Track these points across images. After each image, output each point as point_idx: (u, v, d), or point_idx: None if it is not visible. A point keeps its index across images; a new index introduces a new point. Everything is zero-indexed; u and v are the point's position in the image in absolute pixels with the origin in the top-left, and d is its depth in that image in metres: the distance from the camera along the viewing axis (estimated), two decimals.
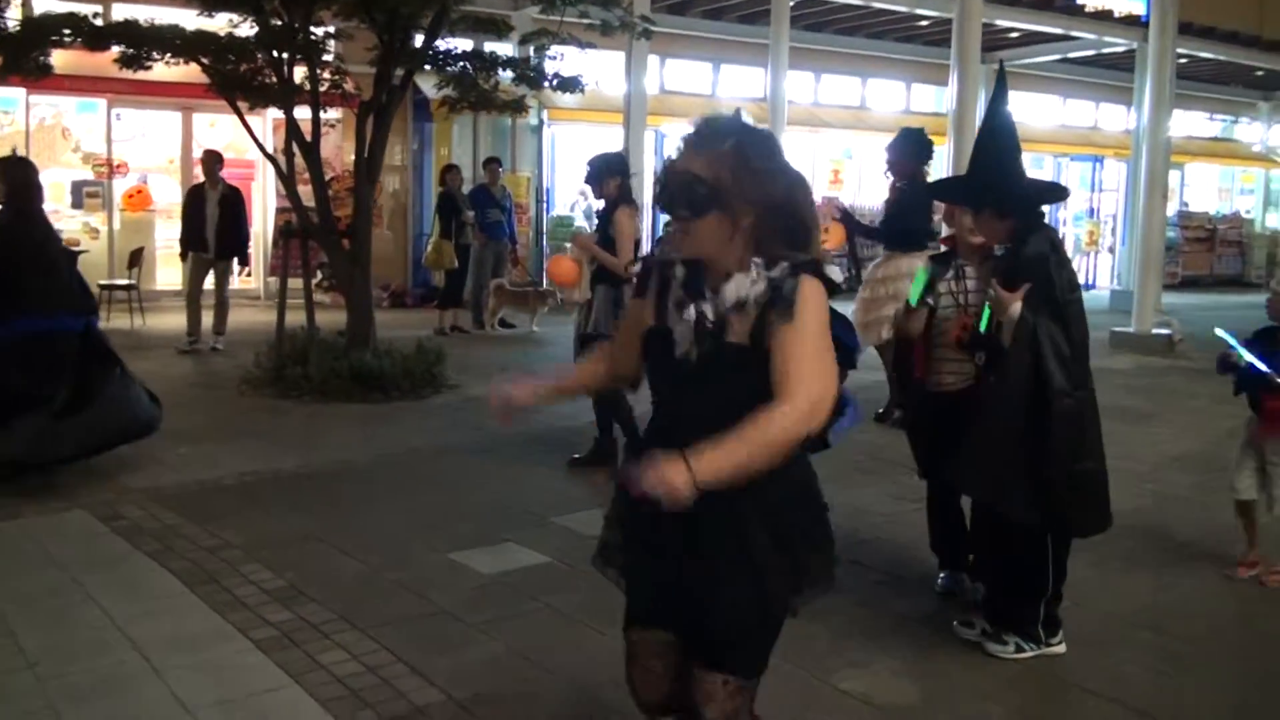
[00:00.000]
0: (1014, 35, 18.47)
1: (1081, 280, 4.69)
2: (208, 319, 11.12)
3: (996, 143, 4.18)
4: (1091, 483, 4.02)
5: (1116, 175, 22.32)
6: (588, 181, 7.14)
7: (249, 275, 16.03)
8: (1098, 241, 21.82)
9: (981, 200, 4.14)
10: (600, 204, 7.04)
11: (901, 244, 7.87)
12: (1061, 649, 4.11)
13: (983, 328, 4.05)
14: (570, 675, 3.87)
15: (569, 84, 9.48)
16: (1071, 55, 19.92)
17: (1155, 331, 12.88)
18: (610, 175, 6.79)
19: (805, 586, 2.51)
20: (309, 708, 3.59)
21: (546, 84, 9.67)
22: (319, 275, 12.81)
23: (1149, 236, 13.34)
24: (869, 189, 19.88)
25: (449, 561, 5.03)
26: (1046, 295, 3.88)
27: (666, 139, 18.32)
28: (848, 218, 8.32)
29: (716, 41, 18.42)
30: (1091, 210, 22.35)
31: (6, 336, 5.85)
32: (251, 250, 15.99)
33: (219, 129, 15.54)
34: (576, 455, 6.93)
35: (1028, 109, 21.77)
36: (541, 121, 16.70)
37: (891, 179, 8.03)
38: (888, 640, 4.23)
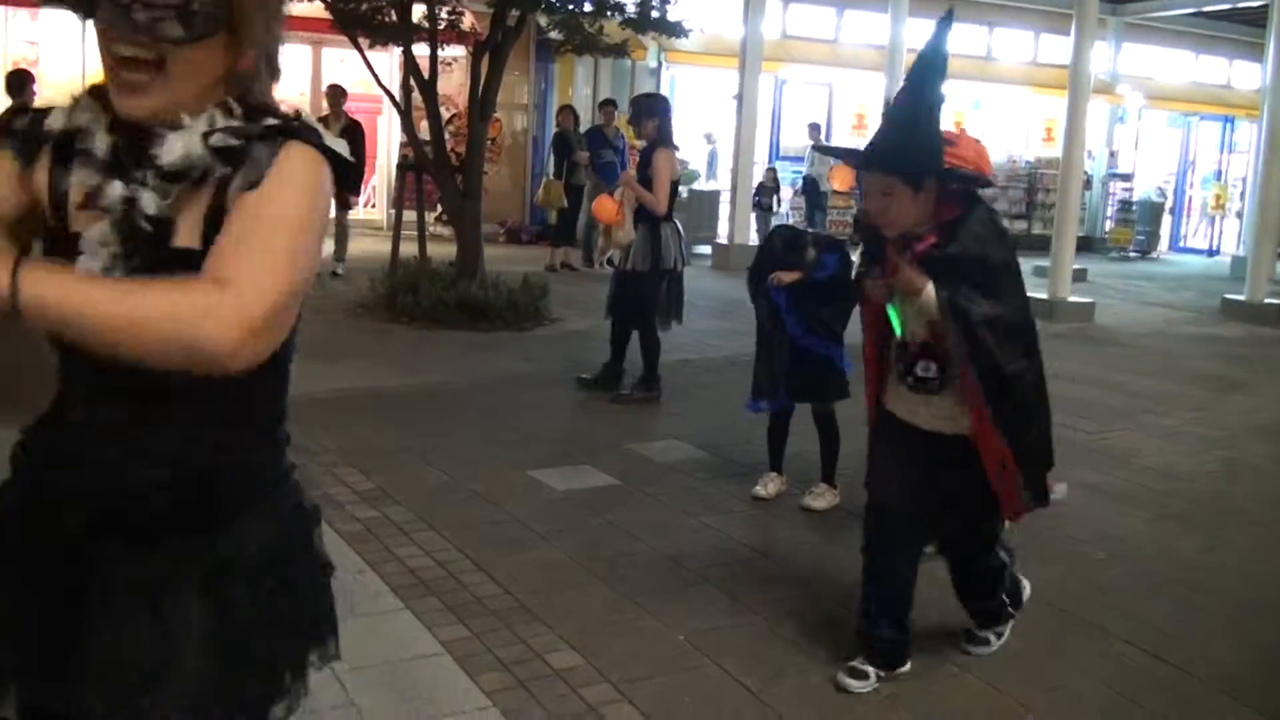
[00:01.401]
0: None
1: (1205, 246, 4.62)
2: (329, 245, 11.68)
3: (921, 96, 3.25)
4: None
5: (1248, 136, 21.56)
6: (630, 122, 7.39)
7: (373, 206, 16.66)
8: (1224, 205, 21.16)
9: (893, 165, 3.29)
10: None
11: None
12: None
13: (897, 331, 3.43)
14: (618, 581, 4.20)
15: (673, 29, 9.66)
16: (1205, 9, 19.24)
17: (1268, 301, 12.58)
18: (650, 117, 7.01)
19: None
20: (381, 590, 3.99)
21: (652, 29, 9.85)
22: (436, 209, 13.29)
23: (1266, 202, 12.96)
24: (993, 142, 19.64)
25: (527, 478, 5.40)
26: (978, 267, 3.28)
27: (785, 85, 18.36)
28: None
29: None
30: (1219, 172, 21.68)
31: None
32: (376, 183, 16.65)
33: (348, 64, 16.09)
34: (585, 375, 7.27)
35: (1157, 64, 21.14)
36: (660, 64, 16.86)
37: None
38: None
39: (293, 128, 1.52)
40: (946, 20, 3.24)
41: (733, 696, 3.38)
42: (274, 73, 1.60)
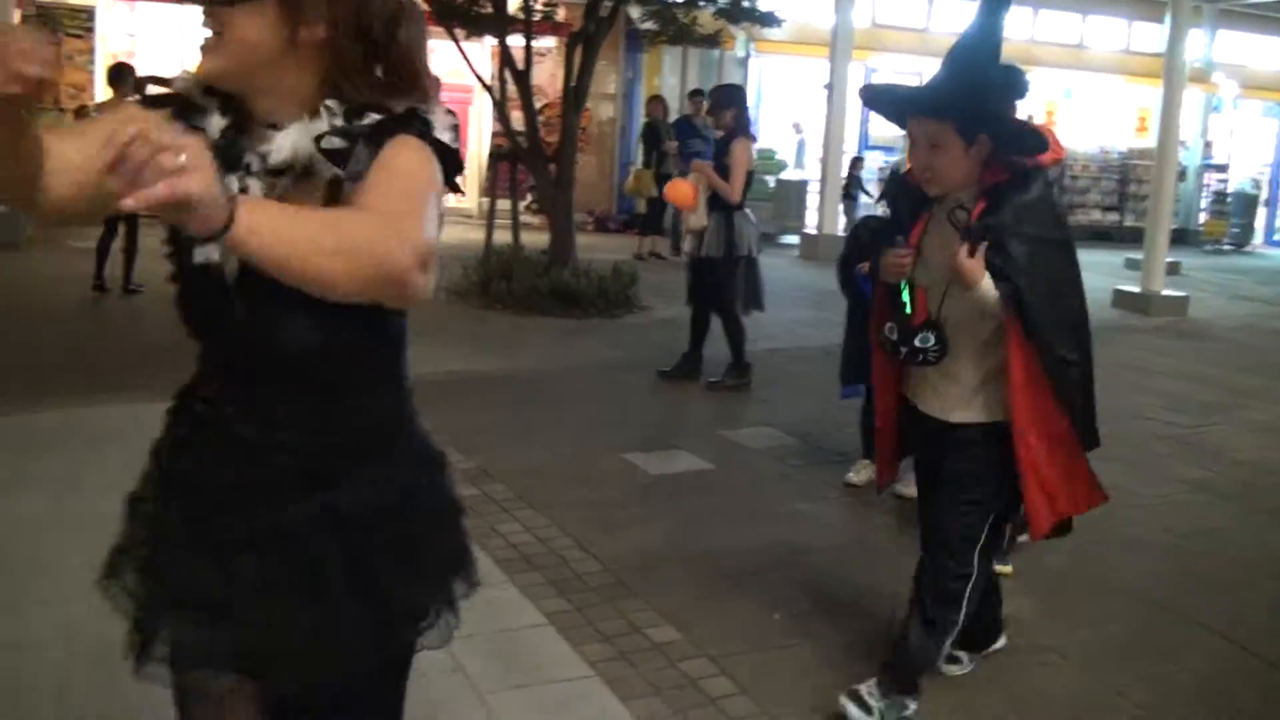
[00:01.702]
0: None
1: None
2: None
3: (988, 34, 3.05)
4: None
5: None
6: (709, 112, 7.48)
7: (463, 194, 16.91)
8: None
9: (946, 109, 2.99)
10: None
11: None
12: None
13: (906, 310, 3.08)
14: (713, 561, 4.30)
15: (766, 19, 9.71)
16: None
17: None
18: (728, 106, 7.09)
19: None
20: (484, 564, 4.12)
21: (745, 19, 9.91)
22: (527, 198, 13.48)
23: None
24: (1085, 132, 19.34)
25: (621, 460, 5.52)
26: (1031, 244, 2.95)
27: (875, 74, 18.24)
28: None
29: None
30: None
31: None
32: (466, 171, 16.89)
33: (439, 55, 16.35)
34: (664, 369, 7.33)
35: (1253, 51, 20.60)
36: (749, 53, 16.87)
37: None
38: None
39: (396, 122, 1.57)
40: None
41: (828, 675, 3.47)
42: (398, 71, 1.66)
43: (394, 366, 1.80)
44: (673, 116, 14.05)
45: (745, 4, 9.96)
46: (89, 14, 14.31)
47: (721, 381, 7.12)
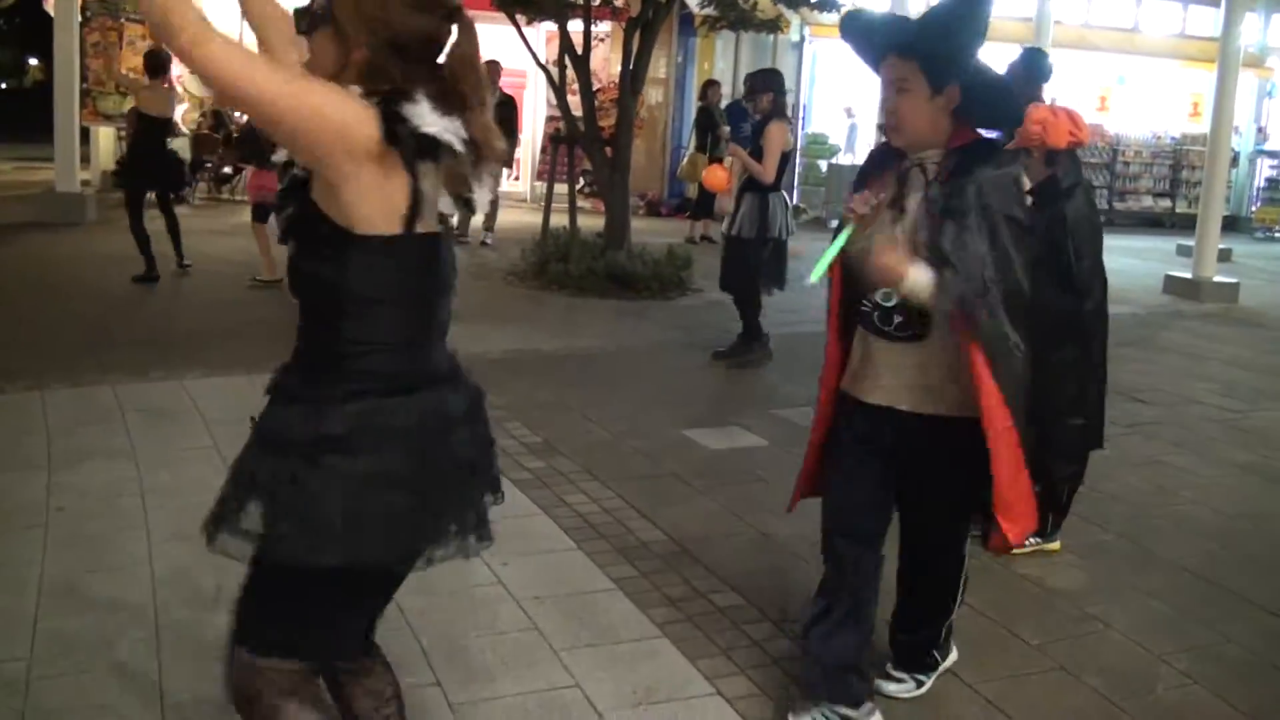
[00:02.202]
0: None
1: None
2: (478, 216, 12.13)
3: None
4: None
5: None
6: (746, 98, 7.65)
7: (516, 179, 17.13)
8: None
9: (911, 45, 2.79)
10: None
11: None
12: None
13: (814, 277, 2.79)
14: (768, 529, 4.47)
15: (824, 4, 9.80)
16: None
17: None
18: (765, 90, 7.29)
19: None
20: (554, 532, 4.34)
21: (804, 5, 10.01)
22: (582, 181, 13.66)
23: None
24: (1138, 117, 19.21)
25: (681, 436, 5.69)
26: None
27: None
28: None
29: None
30: None
31: None
32: (520, 155, 17.10)
33: (490, 39, 16.51)
34: (719, 350, 7.46)
35: None
36: (803, 38, 16.92)
37: None
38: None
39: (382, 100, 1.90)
40: None
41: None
42: (410, 65, 1.95)
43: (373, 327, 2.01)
44: (724, 101, 14.15)
45: None
46: None
47: (729, 354, 7.28)
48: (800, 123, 17.25)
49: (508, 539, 4.20)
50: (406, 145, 1.88)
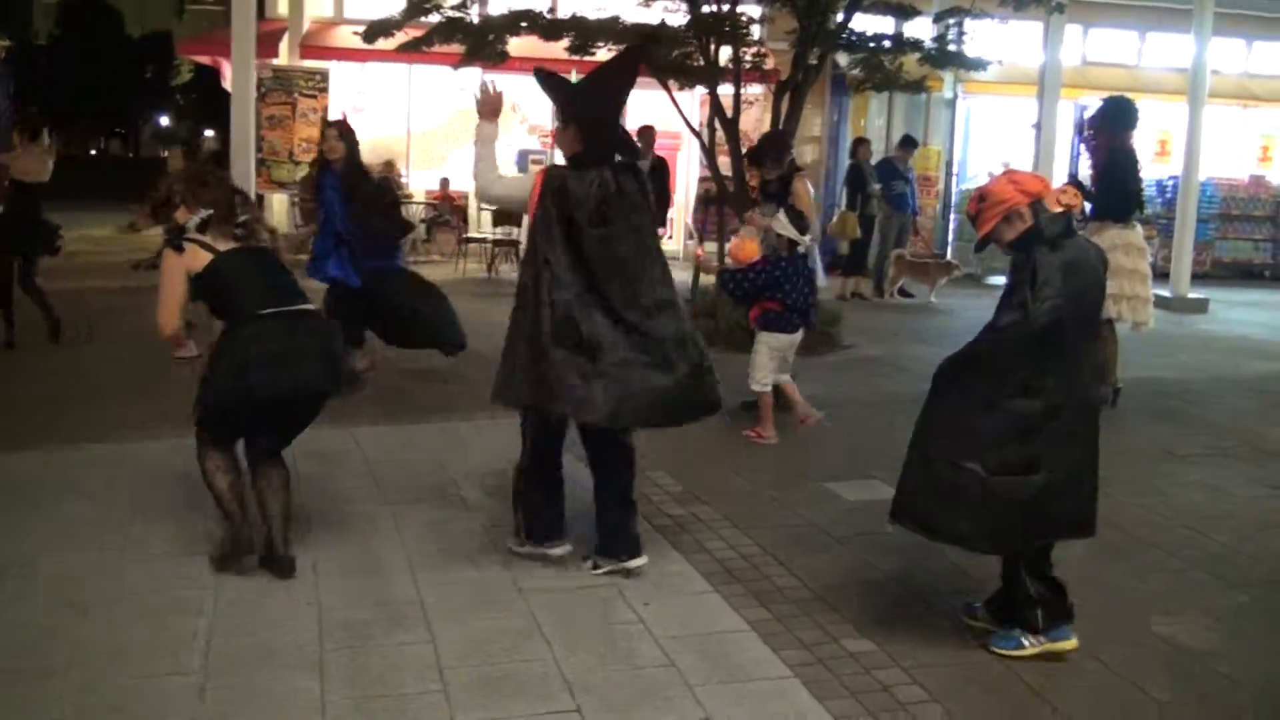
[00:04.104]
0: None
1: None
2: None
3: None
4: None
5: None
6: (753, 160, 7.93)
7: (670, 237, 17.47)
8: None
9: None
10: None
11: (1115, 213, 7.69)
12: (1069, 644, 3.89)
13: None
14: (908, 580, 4.54)
15: (974, 64, 9.85)
16: None
17: None
18: (781, 153, 7.48)
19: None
20: (692, 576, 4.50)
21: (951, 65, 10.08)
22: (730, 239, 13.87)
23: None
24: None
25: (822, 489, 5.79)
26: None
27: (1085, 111, 17.93)
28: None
29: (1140, 9, 17.68)
30: None
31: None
32: (674, 215, 17.47)
33: (644, 103, 16.99)
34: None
35: None
36: (955, 95, 16.89)
37: (1091, 148, 7.94)
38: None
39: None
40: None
41: (1020, 689, 3.67)
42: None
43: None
44: (876, 158, 14.23)
45: (952, 49, 10.11)
46: (323, 75, 15.56)
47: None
48: (955, 178, 17.16)
49: (650, 581, 4.40)
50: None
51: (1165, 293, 14.18)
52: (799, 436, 6.78)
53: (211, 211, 4.31)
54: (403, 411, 7.06)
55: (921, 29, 10.82)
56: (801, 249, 6.67)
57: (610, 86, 4.57)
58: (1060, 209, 3.78)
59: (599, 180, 4.29)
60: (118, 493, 5.29)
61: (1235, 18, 16.63)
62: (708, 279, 10.87)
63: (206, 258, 4.26)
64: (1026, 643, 3.87)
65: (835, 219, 14.06)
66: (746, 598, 4.32)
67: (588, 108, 4.46)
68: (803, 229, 6.66)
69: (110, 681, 3.51)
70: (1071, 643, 3.88)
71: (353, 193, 7.12)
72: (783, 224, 6.61)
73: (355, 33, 11.55)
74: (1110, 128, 7.64)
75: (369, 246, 7.25)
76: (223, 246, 4.31)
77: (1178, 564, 4.85)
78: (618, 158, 4.45)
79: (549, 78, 4.48)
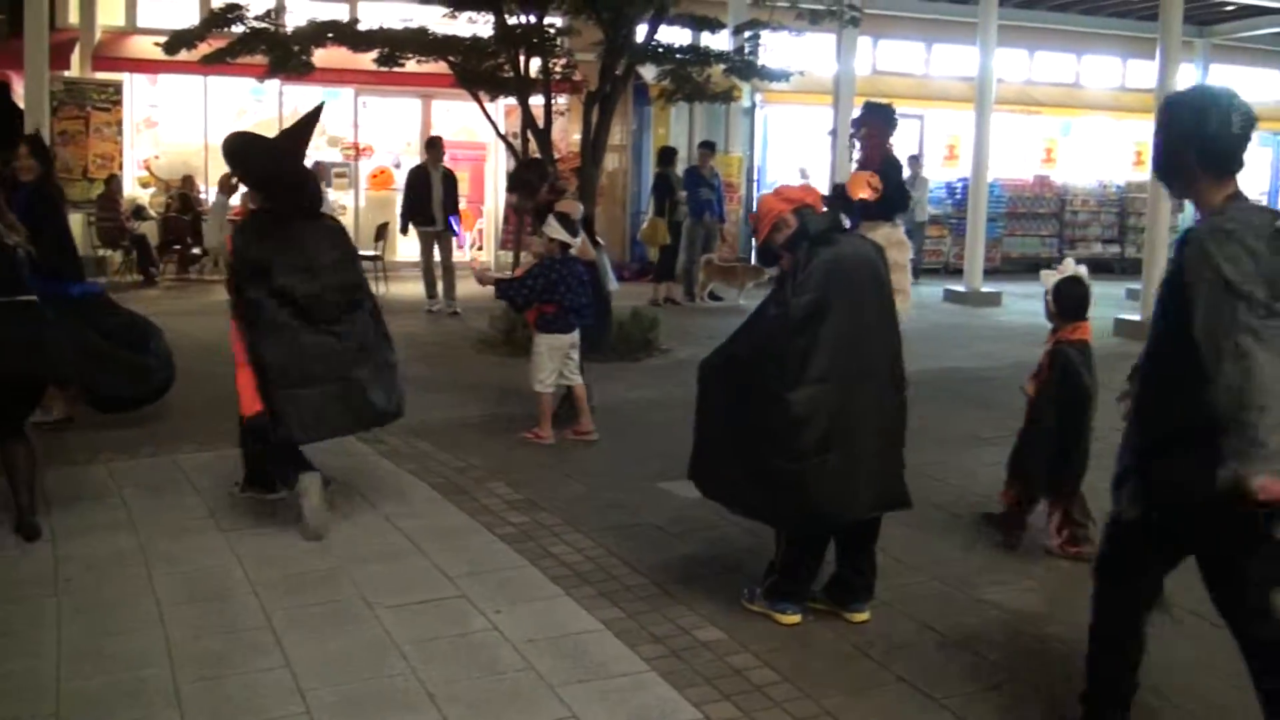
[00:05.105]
0: (1230, 8, 18.15)
1: None
2: (440, 286, 12.46)
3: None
4: None
5: None
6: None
7: (480, 249, 17.44)
8: None
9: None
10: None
11: (881, 214, 7.82)
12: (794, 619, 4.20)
13: None
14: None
15: (777, 75, 10.20)
16: None
17: None
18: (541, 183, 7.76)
19: None
20: (541, 581, 4.56)
21: (755, 76, 10.42)
22: None
23: None
24: (1085, 169, 19.81)
25: (656, 489, 5.92)
26: None
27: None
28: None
29: (928, 21, 18.70)
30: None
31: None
32: (484, 226, 17.44)
33: (452, 114, 16.94)
34: None
35: (1247, 83, 21.07)
36: (754, 104, 17.40)
37: (858, 153, 8.02)
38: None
39: None
40: None
41: (864, 662, 3.86)
42: None
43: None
44: (680, 168, 14.54)
45: (753, 60, 10.45)
46: (117, 88, 14.92)
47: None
48: (755, 184, 17.68)
49: (499, 589, 4.43)
50: None
51: (961, 288, 15.04)
52: (569, 441, 6.92)
53: None
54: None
55: (722, 41, 11.15)
56: (573, 250, 6.86)
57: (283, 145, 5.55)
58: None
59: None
60: None
61: (1017, 30, 17.77)
62: None
63: None
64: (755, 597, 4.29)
65: (645, 226, 14.33)
66: (597, 598, 4.40)
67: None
68: (573, 232, 6.86)
69: None
70: (791, 617, 4.19)
71: (41, 225, 5.86)
72: (554, 228, 6.77)
73: (156, 43, 11.10)
74: (877, 132, 7.89)
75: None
76: None
77: (997, 536, 5.17)
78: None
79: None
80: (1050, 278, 5.05)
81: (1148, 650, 3.20)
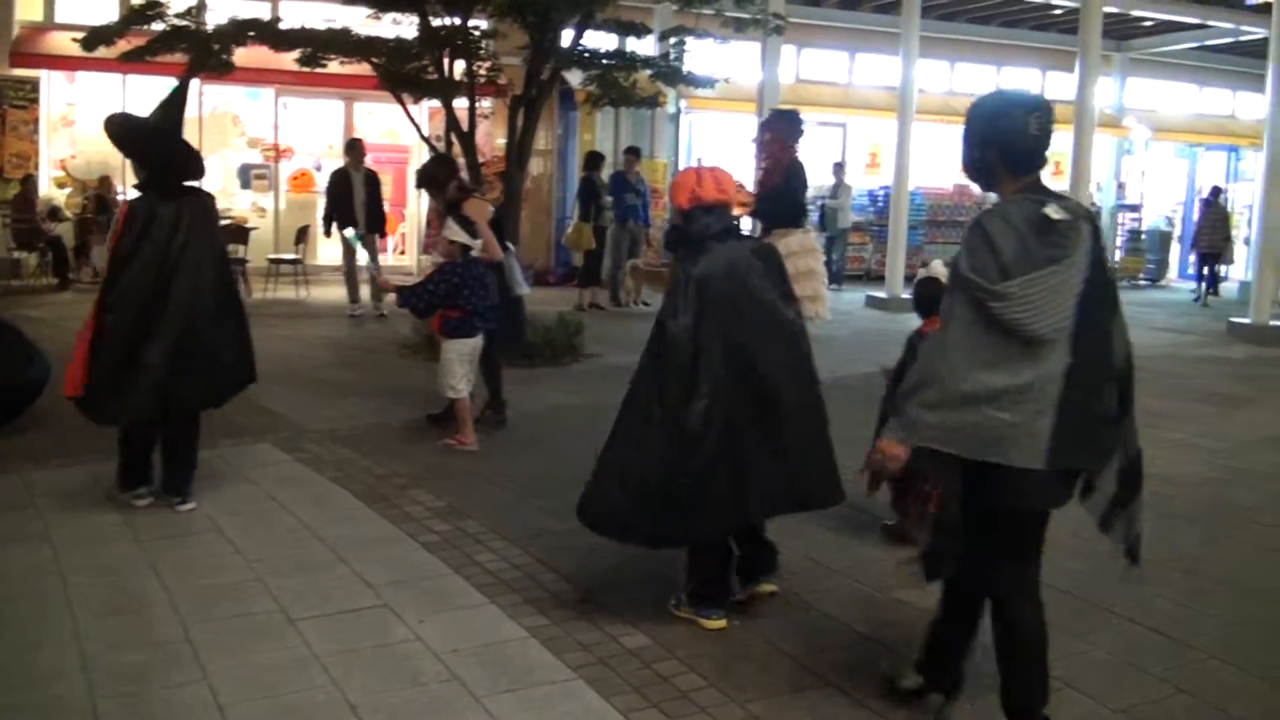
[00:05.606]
0: (1148, 24, 18.59)
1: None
2: (364, 290, 12.29)
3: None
4: None
5: (1255, 165, 22.04)
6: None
7: (403, 253, 17.27)
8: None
9: None
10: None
11: (786, 221, 7.65)
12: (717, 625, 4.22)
13: None
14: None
15: (702, 82, 10.24)
16: (1208, 43, 19.85)
17: (1272, 323, 13.06)
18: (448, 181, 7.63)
19: None
20: (465, 590, 4.51)
21: (682, 82, 10.45)
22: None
23: (1267, 228, 13.45)
24: None
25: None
26: None
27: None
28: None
29: (852, 31, 18.93)
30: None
31: None
32: (406, 230, 17.27)
33: (374, 116, 16.75)
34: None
35: (1163, 97, 21.70)
36: (679, 110, 17.47)
37: (761, 159, 7.88)
38: None
39: None
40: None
41: (786, 664, 3.87)
42: None
43: None
44: (605, 173, 14.54)
45: (679, 66, 10.49)
46: (34, 85, 14.53)
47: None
48: None
49: (422, 598, 4.38)
50: None
51: (882, 294, 15.22)
52: (443, 446, 6.81)
53: None
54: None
55: (648, 47, 11.17)
56: (474, 252, 6.80)
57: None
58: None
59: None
60: None
61: (939, 41, 18.04)
62: None
63: None
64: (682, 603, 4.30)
65: (570, 231, 14.31)
66: (523, 606, 4.36)
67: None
68: (474, 234, 6.80)
69: None
70: (716, 622, 4.20)
71: None
72: (454, 230, 6.71)
73: (75, 39, 10.81)
74: (783, 139, 7.80)
75: None
76: None
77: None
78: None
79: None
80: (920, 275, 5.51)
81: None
